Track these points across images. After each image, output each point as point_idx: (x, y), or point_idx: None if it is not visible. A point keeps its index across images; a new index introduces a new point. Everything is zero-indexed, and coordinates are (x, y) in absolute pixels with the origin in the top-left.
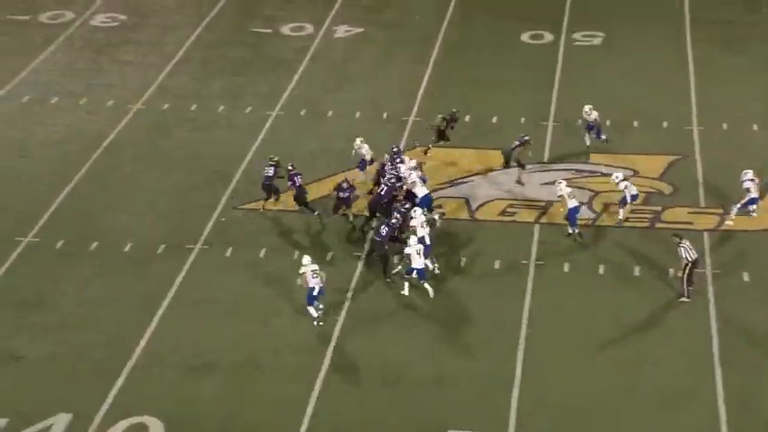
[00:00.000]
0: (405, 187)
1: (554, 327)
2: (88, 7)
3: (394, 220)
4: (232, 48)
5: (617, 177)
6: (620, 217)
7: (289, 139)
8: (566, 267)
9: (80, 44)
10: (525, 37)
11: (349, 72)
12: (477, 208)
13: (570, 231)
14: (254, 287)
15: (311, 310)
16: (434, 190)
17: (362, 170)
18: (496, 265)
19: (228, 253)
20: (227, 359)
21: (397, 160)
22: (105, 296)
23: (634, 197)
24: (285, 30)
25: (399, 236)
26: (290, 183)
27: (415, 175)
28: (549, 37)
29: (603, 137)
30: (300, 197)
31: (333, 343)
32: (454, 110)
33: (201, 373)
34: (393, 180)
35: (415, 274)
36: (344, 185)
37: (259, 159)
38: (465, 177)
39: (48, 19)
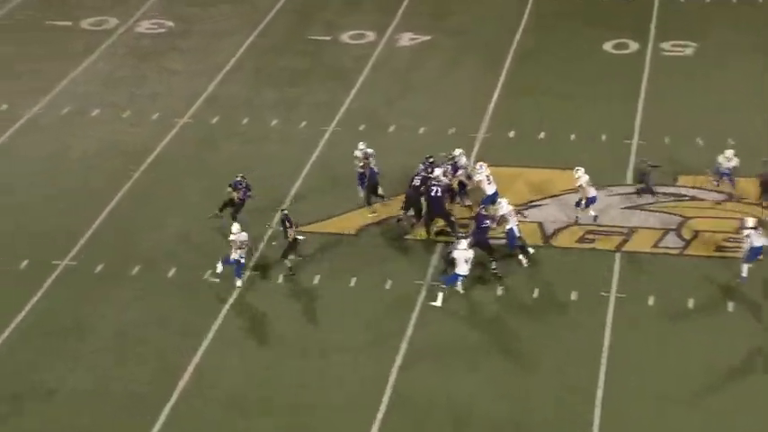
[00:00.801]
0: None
1: (637, 367)
2: (133, 13)
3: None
4: (287, 56)
5: (745, 225)
6: (743, 274)
7: (346, 155)
8: (650, 300)
9: (124, 52)
10: (608, 46)
11: (413, 82)
12: (553, 234)
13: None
14: (308, 316)
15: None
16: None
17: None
18: (573, 296)
19: (281, 279)
20: (278, 395)
21: (430, 170)
22: (147, 323)
23: (756, 251)
24: (345, 37)
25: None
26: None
27: (483, 174)
28: (633, 46)
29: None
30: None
31: (392, 379)
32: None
33: (250, 411)
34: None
35: (459, 281)
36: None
37: (314, 177)
38: (539, 200)
39: (90, 25)
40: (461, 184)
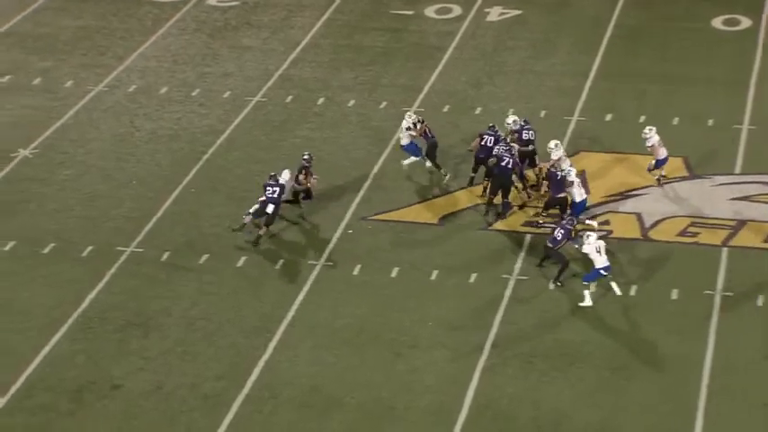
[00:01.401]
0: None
1: (743, 373)
2: None
3: (567, 222)
4: (366, 33)
5: None
6: None
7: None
8: (759, 300)
9: (194, 27)
10: (717, 22)
11: (502, 62)
12: (652, 226)
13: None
14: (384, 312)
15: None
16: (602, 203)
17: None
18: (674, 295)
19: (356, 271)
20: (352, 396)
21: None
22: (215, 318)
23: None
24: (429, 12)
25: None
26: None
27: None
28: (746, 22)
29: None
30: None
31: (474, 382)
32: None
33: (322, 412)
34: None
35: (603, 273)
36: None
37: (393, 161)
38: (638, 189)
39: None
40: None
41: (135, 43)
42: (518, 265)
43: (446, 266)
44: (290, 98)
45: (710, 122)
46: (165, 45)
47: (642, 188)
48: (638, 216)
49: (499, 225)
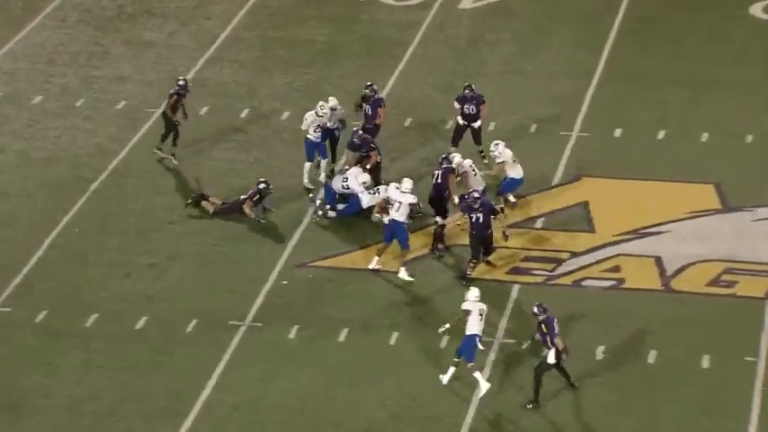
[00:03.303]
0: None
1: None
2: None
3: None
4: (304, 23)
5: None
6: None
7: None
8: None
9: (76, 18)
10: (757, 9)
11: (480, 60)
12: (676, 273)
13: (501, 204)
14: (330, 387)
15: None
16: (610, 243)
17: None
18: (705, 362)
19: (292, 333)
20: None
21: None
22: (107, 397)
23: None
24: None
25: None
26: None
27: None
28: None
29: None
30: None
31: (473, 406)
32: None
33: None
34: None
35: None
36: None
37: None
38: (658, 225)
39: None
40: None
41: (1, 38)
42: (502, 325)
43: (409, 327)
44: (204, 109)
45: (749, 139)
46: (38, 41)
47: (662, 224)
48: (658, 260)
49: (479, 272)
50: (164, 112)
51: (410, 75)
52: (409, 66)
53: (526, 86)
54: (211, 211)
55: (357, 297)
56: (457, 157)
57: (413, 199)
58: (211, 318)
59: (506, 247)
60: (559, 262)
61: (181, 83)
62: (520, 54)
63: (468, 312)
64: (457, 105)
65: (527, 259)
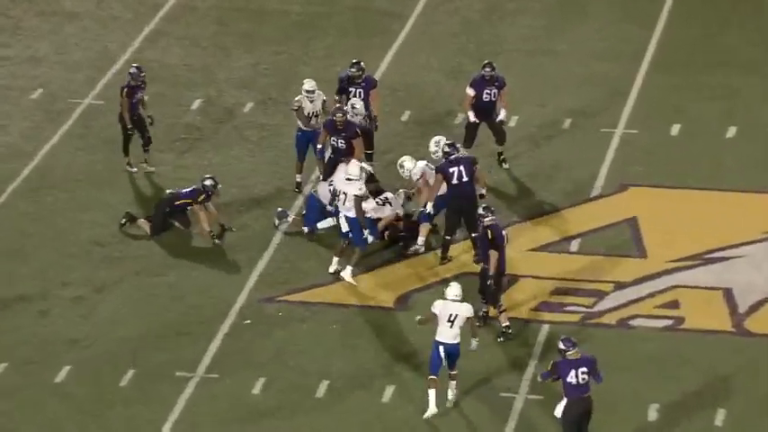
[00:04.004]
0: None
1: None
2: None
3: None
4: None
5: None
6: None
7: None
8: None
9: None
10: None
11: (498, 37)
12: (751, 310)
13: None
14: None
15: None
16: (667, 271)
17: None
18: None
19: (257, 388)
20: None
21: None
22: None
23: None
24: None
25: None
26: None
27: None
28: None
29: None
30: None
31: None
32: None
33: None
34: None
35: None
36: None
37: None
38: (725, 248)
39: None
40: None
41: None
42: (526, 376)
43: (406, 379)
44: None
45: None
46: None
47: (732, 246)
48: (728, 293)
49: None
50: (120, 115)
51: (409, 56)
52: (408, 44)
53: (557, 70)
54: (149, 232)
55: (340, 340)
56: (407, 162)
57: (359, 191)
58: (153, 368)
59: (534, 277)
60: (601, 295)
61: (133, 71)
62: (549, 29)
63: (432, 316)
64: (471, 92)
65: (559, 292)
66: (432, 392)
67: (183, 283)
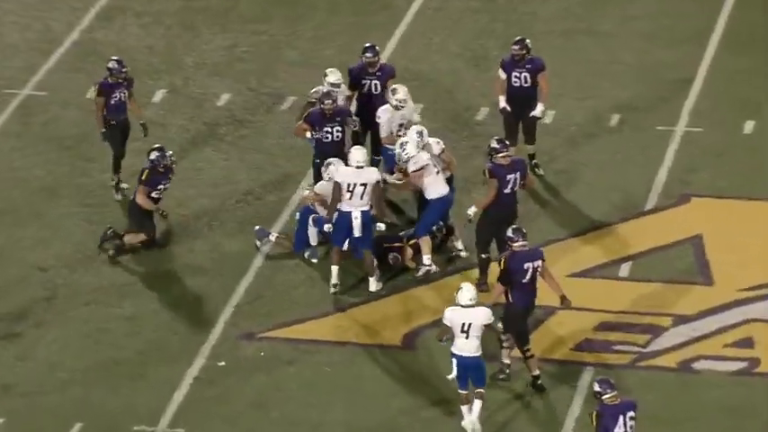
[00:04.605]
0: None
1: None
2: None
3: None
4: None
5: None
6: None
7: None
8: None
9: None
10: None
11: (529, 14)
12: None
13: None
14: None
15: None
16: (739, 302)
17: None
18: None
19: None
20: None
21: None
22: None
23: None
24: None
25: None
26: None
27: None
28: None
29: None
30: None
31: None
32: None
33: None
34: None
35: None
36: None
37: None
38: None
39: None
40: None
41: None
42: (566, 430)
43: None
44: (93, 91)
45: None
46: None
47: None
48: None
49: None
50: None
51: (420, 37)
52: (418, 23)
53: (600, 55)
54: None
55: (336, 386)
56: (410, 146)
57: (378, 173)
58: (104, 420)
59: (575, 309)
60: (658, 332)
61: (112, 65)
62: (590, 4)
63: (447, 329)
64: (502, 75)
65: (606, 327)
66: (466, 408)
67: (142, 316)
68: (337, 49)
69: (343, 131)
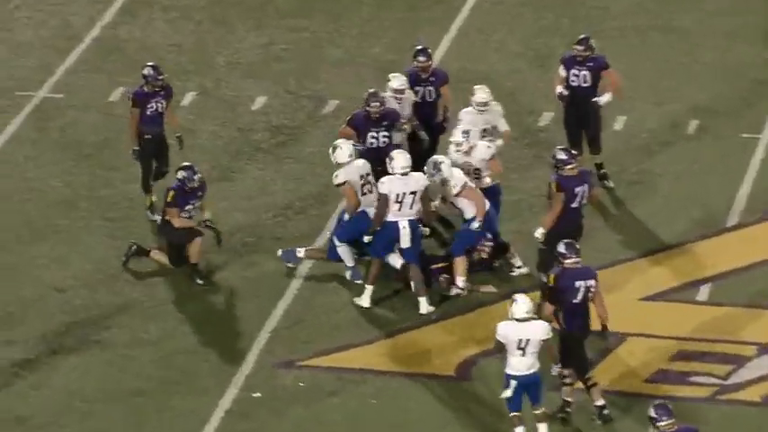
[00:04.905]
0: None
1: None
2: None
3: None
4: None
5: None
6: None
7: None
8: None
9: None
10: None
11: (598, 9)
12: None
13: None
14: None
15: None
16: None
17: None
18: None
19: None
20: None
21: None
22: None
23: None
24: None
25: None
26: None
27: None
28: None
29: None
30: None
31: None
32: None
33: None
34: None
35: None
36: None
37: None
38: None
39: None
40: None
41: None
42: None
43: None
44: (118, 93)
45: None
46: None
47: None
48: None
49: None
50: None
51: (476, 35)
52: (475, 18)
53: (679, 55)
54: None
55: (382, 420)
56: (445, 167)
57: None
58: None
59: (648, 336)
60: (740, 362)
61: (148, 71)
62: (673, 10)
63: (501, 346)
64: (562, 72)
65: (682, 356)
66: (519, 429)
67: (170, 342)
68: (385, 47)
69: (390, 137)
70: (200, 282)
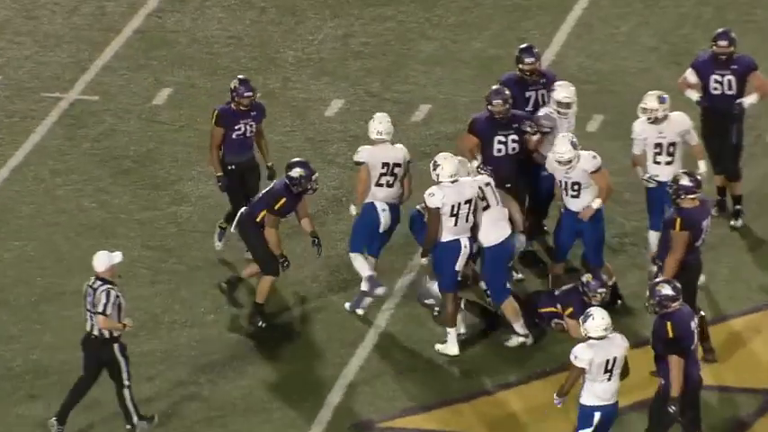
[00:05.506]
0: None
1: None
2: None
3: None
4: None
5: None
6: None
7: None
8: None
9: None
10: None
11: (732, 5)
12: None
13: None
14: None
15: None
16: None
17: None
18: None
19: None
20: None
21: None
22: None
23: None
24: None
25: None
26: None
27: None
28: None
29: None
30: None
31: None
32: None
33: None
34: None
35: None
36: None
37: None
38: None
39: None
40: None
41: None
42: None
43: None
44: (164, 95)
45: None
46: None
47: None
48: None
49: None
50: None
51: (600, 25)
52: (597, 5)
53: None
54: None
55: None
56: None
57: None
58: None
59: None
60: None
61: (237, 85)
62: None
63: (580, 371)
64: (691, 77)
65: None
66: None
67: (225, 397)
68: (487, 41)
69: (520, 142)
70: (261, 325)
